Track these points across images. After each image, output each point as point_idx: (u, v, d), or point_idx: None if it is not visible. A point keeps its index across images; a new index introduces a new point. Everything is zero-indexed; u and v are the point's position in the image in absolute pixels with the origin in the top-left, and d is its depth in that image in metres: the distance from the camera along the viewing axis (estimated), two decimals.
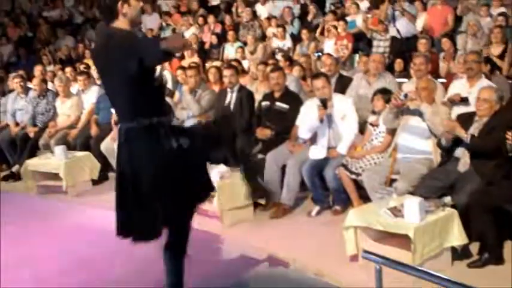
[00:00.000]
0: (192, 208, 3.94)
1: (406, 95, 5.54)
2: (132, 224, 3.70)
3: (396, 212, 4.68)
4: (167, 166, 3.62)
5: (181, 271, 3.93)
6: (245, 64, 10.25)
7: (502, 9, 9.55)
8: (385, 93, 6.15)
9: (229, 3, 14.17)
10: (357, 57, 10.08)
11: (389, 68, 8.54)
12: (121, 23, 3.65)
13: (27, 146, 8.86)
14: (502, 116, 5.16)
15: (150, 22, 13.76)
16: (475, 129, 5.16)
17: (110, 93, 3.85)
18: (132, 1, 3.66)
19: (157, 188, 3.61)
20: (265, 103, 7.07)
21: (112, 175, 7.57)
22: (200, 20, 13.32)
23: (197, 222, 3.99)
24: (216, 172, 5.84)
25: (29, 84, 9.81)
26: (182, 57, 11.13)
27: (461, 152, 5.25)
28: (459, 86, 6.32)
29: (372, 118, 6.27)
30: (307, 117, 6.37)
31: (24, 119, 9.24)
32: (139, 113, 3.62)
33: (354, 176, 5.87)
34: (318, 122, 6.18)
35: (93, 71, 9.89)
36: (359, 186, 5.91)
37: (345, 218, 4.99)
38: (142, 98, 3.61)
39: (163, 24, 14.08)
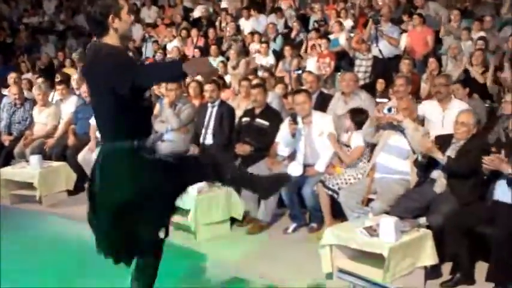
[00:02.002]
0: (159, 241, 3.71)
1: (390, 109, 5.59)
2: (101, 241, 3.61)
3: (372, 231, 4.69)
4: (141, 192, 3.44)
5: None
6: (227, 79, 10.24)
7: (482, 34, 9.67)
8: (356, 113, 6.20)
9: (210, 19, 14.17)
10: (338, 75, 10.11)
11: (371, 88, 8.57)
12: (110, 38, 3.48)
13: (1, 154, 8.74)
14: (478, 139, 5.24)
15: (132, 33, 13.68)
16: (452, 151, 5.22)
17: (95, 110, 3.68)
18: (123, 15, 3.48)
19: (125, 214, 3.44)
20: (245, 119, 7.06)
21: None
22: (183, 33, 13.31)
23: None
24: (194, 186, 5.79)
25: (4, 91, 9.67)
26: None
27: (437, 174, 5.29)
28: (430, 108, 6.36)
29: (344, 137, 6.29)
30: (285, 134, 6.39)
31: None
32: (123, 133, 3.47)
33: (331, 193, 5.86)
34: (290, 137, 6.21)
35: (73, 81, 9.84)
36: (334, 202, 5.90)
37: (321, 236, 5.01)
38: (128, 118, 3.44)
39: (146, 35, 14.05)
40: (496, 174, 4.87)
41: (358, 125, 6.07)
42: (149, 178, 3.48)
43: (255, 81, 7.92)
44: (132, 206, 3.43)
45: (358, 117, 6.14)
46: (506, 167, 4.70)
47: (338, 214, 5.88)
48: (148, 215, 3.48)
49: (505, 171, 4.67)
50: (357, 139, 6.09)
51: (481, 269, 4.84)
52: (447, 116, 6.00)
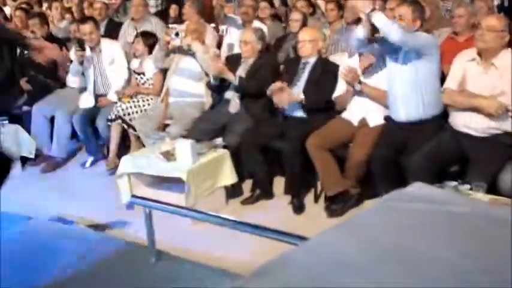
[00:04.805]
0: None
1: (177, 33, 5.47)
2: None
3: (169, 156, 4.63)
4: None
5: None
6: None
7: None
8: (148, 37, 6.03)
9: None
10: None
11: (163, 14, 8.37)
12: None
13: None
14: (267, 57, 5.33)
15: None
16: (242, 70, 5.26)
17: None
18: None
19: None
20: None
21: None
22: None
23: None
24: None
25: None
26: None
27: (231, 94, 5.32)
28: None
29: (134, 64, 6.10)
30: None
31: None
32: None
33: (131, 130, 5.67)
34: (78, 65, 5.97)
35: None
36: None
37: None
38: None
39: None
40: None
41: (150, 50, 5.89)
42: None
43: None
44: None
45: (150, 40, 5.96)
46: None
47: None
48: None
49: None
50: (149, 65, 5.91)
51: (280, 183, 5.04)
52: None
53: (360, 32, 4.30)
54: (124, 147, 5.86)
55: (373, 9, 4.10)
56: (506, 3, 6.76)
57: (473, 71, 4.06)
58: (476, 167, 3.83)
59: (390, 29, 4.04)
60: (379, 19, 4.04)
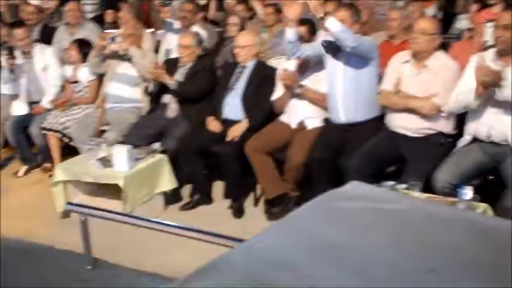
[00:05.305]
0: None
1: (113, 38, 5.38)
2: None
3: (105, 162, 4.54)
4: None
5: None
6: None
7: None
8: (83, 45, 5.89)
9: None
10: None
11: (101, 19, 8.22)
12: None
13: None
14: (205, 61, 5.29)
15: None
16: (180, 74, 5.21)
17: None
18: None
19: None
20: None
21: None
22: None
23: None
24: None
25: None
26: None
27: (168, 98, 5.26)
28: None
29: (68, 72, 5.94)
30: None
31: None
32: None
33: (65, 139, 5.51)
34: (9, 73, 5.82)
35: None
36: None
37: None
38: None
39: None
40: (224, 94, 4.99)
41: (85, 57, 5.76)
42: None
43: None
44: None
45: (85, 48, 5.83)
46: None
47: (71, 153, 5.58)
48: None
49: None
50: (84, 73, 5.78)
51: (220, 188, 5.02)
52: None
53: (290, 34, 4.31)
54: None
55: (326, 14, 4.12)
56: (439, 15, 6.95)
57: (407, 73, 4.14)
58: (411, 167, 3.90)
59: (345, 35, 4.07)
60: (334, 25, 4.05)
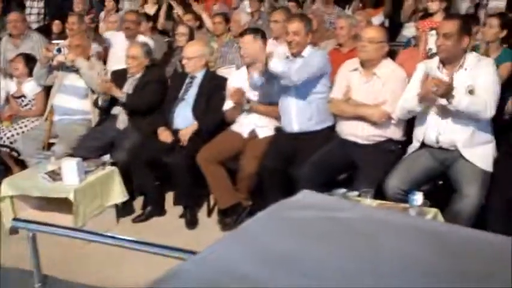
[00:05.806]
0: None
1: (59, 49, 5.29)
2: None
3: (54, 175, 4.44)
4: None
5: None
6: None
7: None
8: (29, 59, 5.76)
9: None
10: None
11: (47, 30, 8.07)
12: None
13: None
14: (154, 72, 5.25)
15: None
16: (129, 85, 5.15)
17: None
18: None
19: None
20: None
21: None
22: None
23: None
24: None
25: None
26: None
27: (118, 110, 5.19)
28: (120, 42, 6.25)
29: (12, 87, 5.81)
30: None
31: None
32: None
33: (14, 153, 5.38)
34: None
35: None
36: None
37: None
38: None
39: None
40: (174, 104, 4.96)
41: (31, 72, 5.64)
42: None
43: None
44: None
45: (31, 63, 5.70)
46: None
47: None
48: None
49: None
50: (29, 87, 5.67)
51: (172, 198, 4.98)
52: None
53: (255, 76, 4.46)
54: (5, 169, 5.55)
55: (270, 53, 4.15)
56: (386, 24, 7.08)
57: (356, 81, 4.20)
58: (362, 174, 3.94)
59: (288, 74, 4.14)
60: (277, 67, 4.11)
